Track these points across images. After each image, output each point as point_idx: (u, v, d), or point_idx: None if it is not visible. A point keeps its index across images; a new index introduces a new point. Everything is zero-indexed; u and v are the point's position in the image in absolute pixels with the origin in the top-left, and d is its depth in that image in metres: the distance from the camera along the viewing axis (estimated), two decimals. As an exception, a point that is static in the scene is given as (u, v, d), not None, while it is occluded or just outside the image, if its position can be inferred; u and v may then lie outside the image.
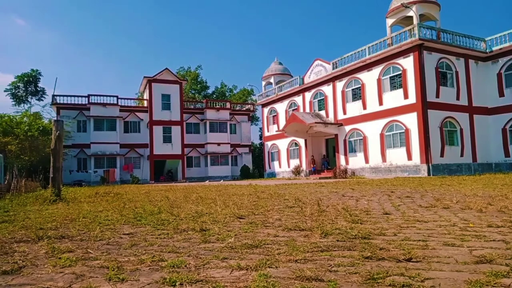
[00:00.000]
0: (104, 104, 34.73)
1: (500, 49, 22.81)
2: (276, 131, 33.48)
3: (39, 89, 39.77)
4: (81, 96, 35.26)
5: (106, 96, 35.26)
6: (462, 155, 22.40)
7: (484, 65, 23.78)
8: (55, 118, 35.16)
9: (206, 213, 4.67)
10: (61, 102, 34.98)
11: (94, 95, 34.91)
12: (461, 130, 22.55)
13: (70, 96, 35.07)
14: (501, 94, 23.11)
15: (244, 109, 43.00)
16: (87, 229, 3.59)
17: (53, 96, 34.78)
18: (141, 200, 7.55)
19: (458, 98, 22.67)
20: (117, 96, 35.53)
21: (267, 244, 2.58)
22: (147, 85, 36.34)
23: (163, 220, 4.03)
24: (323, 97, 29.13)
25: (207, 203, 6.35)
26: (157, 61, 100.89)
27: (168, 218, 4.18)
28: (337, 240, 2.65)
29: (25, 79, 39.86)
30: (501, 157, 22.93)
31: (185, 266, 2.02)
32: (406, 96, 22.17)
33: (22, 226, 3.77)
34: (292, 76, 36.51)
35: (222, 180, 31.36)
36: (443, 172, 21.28)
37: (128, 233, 3.24)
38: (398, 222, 3.44)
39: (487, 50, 23.33)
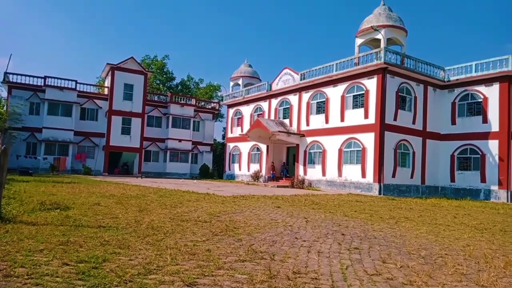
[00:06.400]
0: (61, 88, 33.04)
1: (457, 79, 24.18)
2: (240, 134, 33.48)
3: (-11, 64, 36.83)
4: (37, 77, 33.32)
5: (64, 79, 33.56)
6: (412, 177, 23.60)
7: (441, 93, 25.12)
8: (5, 98, 32.88)
9: (154, 269, 4.54)
10: (14, 81, 32.83)
11: (51, 77, 33.11)
12: (414, 153, 23.71)
13: (25, 75, 33.02)
14: (453, 122, 24.55)
15: (209, 107, 42.56)
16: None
17: (5, 73, 32.55)
18: (88, 223, 7.20)
19: (414, 122, 23.81)
20: (76, 81, 33.92)
21: None
22: (110, 72, 34.93)
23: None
24: (288, 106, 29.48)
25: (157, 240, 6.20)
26: (122, 47, 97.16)
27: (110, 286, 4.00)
28: None
29: (-26, 51, 36.72)
30: (447, 182, 24.42)
31: None
32: (366, 115, 22.94)
33: None
34: (260, 80, 36.60)
35: (192, 180, 30.88)
36: (393, 192, 22.30)
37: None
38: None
39: (445, 79, 24.67)
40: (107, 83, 36.36)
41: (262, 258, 5.44)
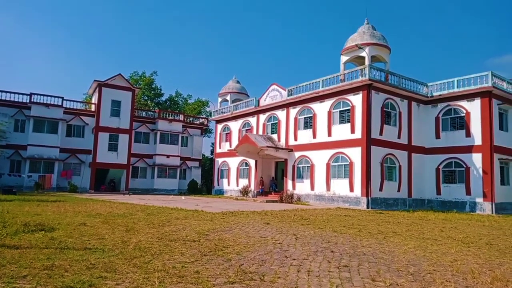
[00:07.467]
0: (47, 105, 32.72)
1: (440, 95, 24.78)
2: (228, 149, 33.51)
3: (-28, 80, 36.29)
4: (22, 94, 32.98)
5: (51, 96, 33.32)
6: (399, 190, 23.86)
7: (425, 108, 25.66)
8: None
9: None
10: (-2, 98, 32.33)
11: (37, 94, 32.75)
12: (400, 167, 24.03)
13: (10, 92, 32.62)
14: (438, 136, 25.04)
15: (197, 122, 42.60)
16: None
17: (-11, 91, 32.09)
18: (73, 245, 7.06)
19: (399, 137, 24.20)
20: (62, 98, 33.65)
21: None
22: (97, 89, 34.79)
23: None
24: (276, 121, 29.70)
25: (145, 262, 6.11)
26: (110, 64, 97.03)
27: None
28: None
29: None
30: (433, 195, 24.74)
31: None
32: (353, 130, 23.25)
33: None
34: (248, 96, 36.90)
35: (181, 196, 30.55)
36: (380, 205, 22.46)
37: None
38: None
39: (429, 95, 25.24)
40: (94, 99, 36.13)
41: (251, 279, 5.40)
